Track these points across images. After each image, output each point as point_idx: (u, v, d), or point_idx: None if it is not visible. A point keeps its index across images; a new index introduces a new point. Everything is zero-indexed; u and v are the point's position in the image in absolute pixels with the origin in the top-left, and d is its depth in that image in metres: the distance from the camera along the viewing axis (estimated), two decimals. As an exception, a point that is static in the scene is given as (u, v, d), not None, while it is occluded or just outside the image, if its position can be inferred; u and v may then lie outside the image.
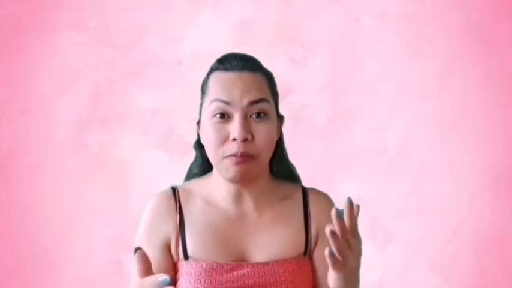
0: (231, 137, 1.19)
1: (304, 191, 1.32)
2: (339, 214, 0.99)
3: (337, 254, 1.00)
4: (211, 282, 1.19)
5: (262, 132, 1.21)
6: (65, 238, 2.28)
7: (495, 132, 2.24)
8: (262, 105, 1.21)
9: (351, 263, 1.03)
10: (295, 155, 1.36)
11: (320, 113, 2.29)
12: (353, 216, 1.01)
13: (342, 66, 2.30)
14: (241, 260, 1.23)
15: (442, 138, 2.26)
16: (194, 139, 1.34)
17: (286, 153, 1.35)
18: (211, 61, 1.28)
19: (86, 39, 2.32)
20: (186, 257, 1.23)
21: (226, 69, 1.24)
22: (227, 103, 1.20)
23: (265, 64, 1.29)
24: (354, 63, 2.29)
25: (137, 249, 1.02)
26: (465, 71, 2.26)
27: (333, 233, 0.98)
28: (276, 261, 1.22)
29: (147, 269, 1.01)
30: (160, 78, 2.31)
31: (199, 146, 1.32)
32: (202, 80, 1.28)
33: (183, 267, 1.22)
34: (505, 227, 2.22)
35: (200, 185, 1.30)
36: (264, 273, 1.21)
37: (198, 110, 1.28)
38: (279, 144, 1.31)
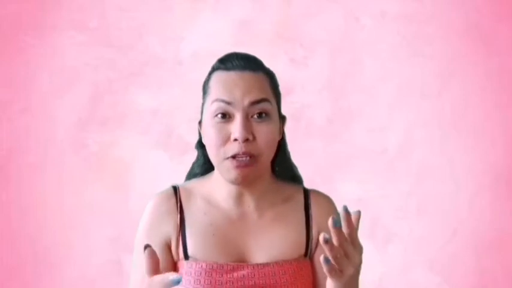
0: (232, 137, 1.19)
1: (306, 193, 1.31)
2: (336, 223, 0.97)
3: (333, 262, 0.99)
4: (211, 282, 1.19)
5: (264, 132, 1.20)
6: (65, 238, 2.28)
7: (495, 132, 2.24)
8: (264, 106, 1.21)
9: (348, 272, 1.01)
10: (295, 155, 1.36)
11: (320, 113, 2.29)
12: (351, 225, 1.00)
13: (342, 66, 2.29)
14: (241, 261, 1.22)
15: (442, 138, 2.26)
16: (194, 139, 1.34)
17: (289, 154, 1.34)
18: (211, 61, 1.28)
19: (86, 39, 2.31)
20: (186, 257, 1.22)
21: (227, 68, 1.23)
22: (228, 103, 1.19)
23: (265, 64, 1.28)
24: (354, 63, 2.29)
25: (146, 246, 1.01)
26: (465, 71, 2.26)
27: (326, 241, 0.97)
28: (277, 263, 1.22)
29: (156, 267, 1.00)
30: (160, 78, 2.31)
31: (200, 145, 1.31)
32: (204, 79, 1.28)
33: (183, 267, 1.22)
34: (505, 227, 2.22)
35: (201, 184, 1.30)
36: (264, 274, 1.21)
37: (200, 110, 1.28)
38: (281, 145, 1.30)
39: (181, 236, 1.24)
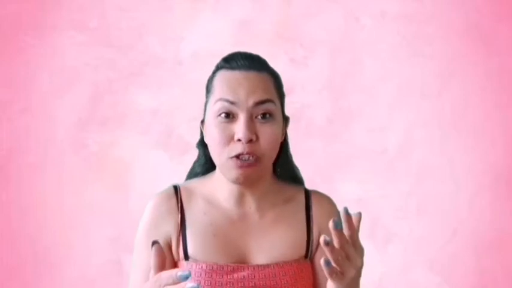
0: (235, 138, 1.18)
1: (307, 193, 1.31)
2: (337, 225, 0.97)
3: (334, 264, 0.99)
4: (211, 283, 1.18)
5: (267, 133, 1.19)
6: (65, 238, 2.28)
7: (495, 132, 2.24)
8: (268, 106, 1.20)
9: (350, 274, 1.01)
10: (295, 155, 1.36)
11: (320, 113, 2.29)
12: (352, 227, 0.99)
13: (342, 66, 2.29)
14: (241, 262, 1.22)
15: (442, 138, 2.26)
16: (194, 139, 1.34)
17: (291, 155, 1.34)
18: (211, 61, 1.28)
19: (86, 39, 2.31)
20: (186, 257, 1.22)
21: (232, 68, 1.22)
22: (232, 103, 1.19)
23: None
24: (354, 63, 2.29)
25: (154, 242, 1.01)
26: (465, 71, 2.26)
27: (327, 243, 0.97)
28: (277, 264, 1.22)
29: (163, 263, 1.00)
30: (160, 78, 2.31)
31: (202, 145, 1.30)
32: (206, 78, 1.27)
33: (183, 267, 1.21)
34: (505, 227, 2.22)
35: (202, 184, 1.29)
36: (265, 275, 1.20)
37: (203, 109, 1.27)
38: (284, 146, 1.30)
39: (182, 236, 1.23)
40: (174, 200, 1.26)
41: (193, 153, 1.36)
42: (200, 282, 1.19)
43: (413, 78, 2.28)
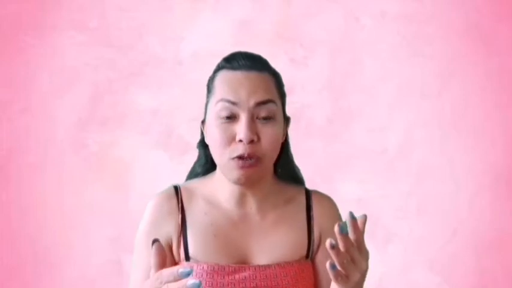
0: (237, 138, 1.18)
1: (308, 194, 1.30)
2: (342, 230, 0.97)
3: (339, 268, 0.99)
4: (212, 284, 1.18)
5: (269, 134, 1.19)
6: (65, 238, 2.28)
7: (495, 132, 2.24)
8: (269, 107, 1.19)
9: (355, 278, 1.01)
10: (295, 155, 1.36)
11: (320, 113, 2.29)
12: (357, 230, 0.99)
13: (342, 66, 2.29)
14: (242, 263, 1.22)
15: (442, 138, 2.26)
16: (194, 139, 1.33)
17: (292, 155, 1.33)
18: (212, 61, 1.28)
19: (86, 39, 2.31)
20: (187, 257, 1.22)
21: (233, 68, 1.22)
22: (233, 103, 1.18)
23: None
24: (354, 63, 2.29)
25: (155, 241, 1.01)
26: (465, 71, 2.26)
27: (333, 247, 0.96)
28: (278, 264, 1.21)
29: (163, 262, 1.00)
30: (160, 78, 2.31)
31: (203, 145, 1.30)
32: (208, 78, 1.26)
33: (184, 268, 1.21)
34: (505, 227, 2.22)
35: (203, 184, 1.28)
36: (266, 276, 1.20)
37: (203, 109, 1.26)
38: (285, 146, 1.29)
39: (183, 236, 1.23)
40: (174, 201, 1.26)
41: (194, 153, 1.36)
42: (201, 283, 1.18)
43: (413, 78, 2.28)
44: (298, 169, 1.35)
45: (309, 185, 1.35)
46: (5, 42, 2.30)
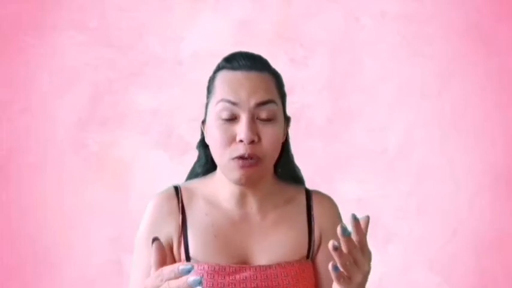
0: (237, 139, 1.17)
1: (308, 194, 1.30)
2: (345, 232, 0.96)
3: (342, 269, 0.99)
4: (213, 284, 1.18)
5: (269, 134, 1.19)
6: (65, 238, 2.28)
7: (495, 132, 2.24)
8: (270, 107, 1.19)
9: (357, 279, 1.01)
10: (295, 155, 1.36)
11: (320, 113, 2.29)
12: (360, 232, 1.00)
13: (342, 66, 2.29)
14: (243, 263, 1.21)
15: (442, 138, 2.26)
16: (194, 139, 1.33)
17: (292, 156, 1.33)
18: (212, 61, 1.27)
19: (86, 39, 2.31)
20: (188, 258, 1.21)
21: (233, 68, 1.21)
22: (234, 104, 1.18)
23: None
24: (354, 63, 2.29)
25: (154, 239, 1.00)
26: (465, 71, 2.26)
27: (336, 248, 0.97)
28: (279, 265, 1.21)
29: (163, 260, 0.99)
30: (160, 78, 2.31)
31: (203, 145, 1.30)
32: (209, 78, 1.26)
33: (185, 268, 1.21)
34: (505, 227, 2.22)
35: (203, 185, 1.28)
36: (267, 276, 1.20)
37: (203, 109, 1.26)
38: (285, 146, 1.29)
39: (183, 237, 1.23)
40: (175, 201, 1.25)
41: (194, 154, 1.36)
42: (202, 284, 1.18)
43: (413, 78, 2.28)
44: (299, 169, 1.35)
45: (309, 185, 1.35)
46: (5, 42, 2.30)
